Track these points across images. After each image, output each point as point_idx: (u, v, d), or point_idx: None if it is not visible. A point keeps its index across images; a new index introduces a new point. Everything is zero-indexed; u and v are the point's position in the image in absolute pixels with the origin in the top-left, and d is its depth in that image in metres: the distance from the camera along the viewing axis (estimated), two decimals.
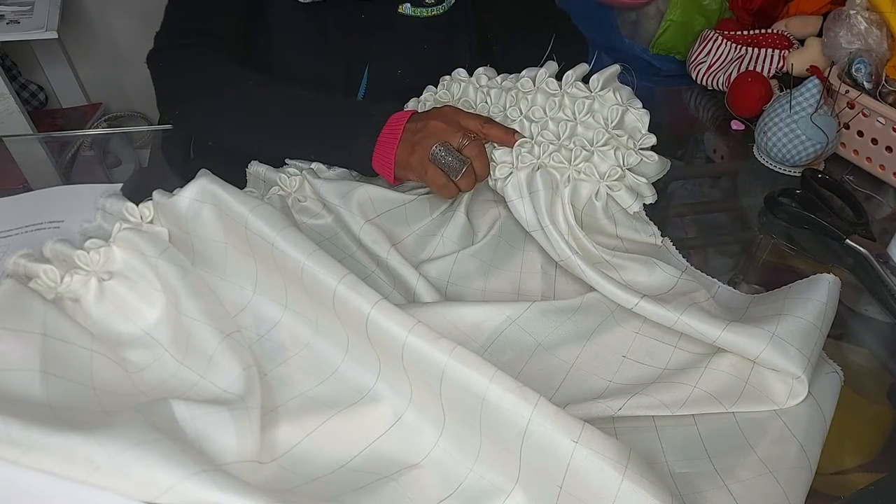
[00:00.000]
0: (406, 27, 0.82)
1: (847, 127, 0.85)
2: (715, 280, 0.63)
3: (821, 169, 0.82)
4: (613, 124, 0.68)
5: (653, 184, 0.70)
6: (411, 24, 0.82)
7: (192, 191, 0.52)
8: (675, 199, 0.79)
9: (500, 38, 0.91)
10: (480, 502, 0.43)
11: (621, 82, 0.72)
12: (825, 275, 0.56)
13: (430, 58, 0.85)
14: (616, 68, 0.70)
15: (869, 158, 0.85)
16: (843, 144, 0.87)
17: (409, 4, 0.81)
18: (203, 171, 0.54)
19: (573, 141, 0.68)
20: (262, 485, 0.39)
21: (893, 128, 0.80)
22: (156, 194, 0.54)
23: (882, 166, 0.83)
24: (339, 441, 0.46)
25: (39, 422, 0.36)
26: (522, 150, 0.66)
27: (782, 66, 0.96)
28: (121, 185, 0.66)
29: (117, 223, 0.53)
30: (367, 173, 0.68)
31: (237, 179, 0.67)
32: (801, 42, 0.97)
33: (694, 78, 1.05)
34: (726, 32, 1.04)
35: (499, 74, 0.75)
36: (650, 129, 0.69)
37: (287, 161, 0.69)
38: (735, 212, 0.80)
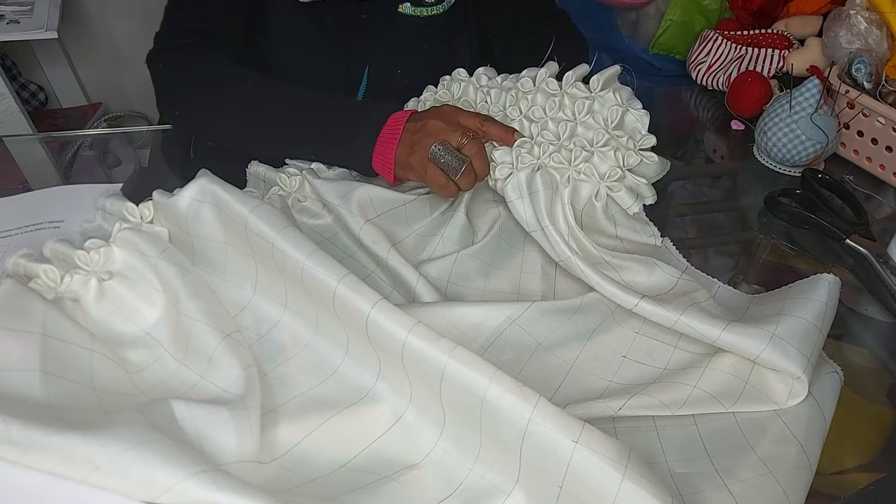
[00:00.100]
0: (406, 27, 0.82)
1: (847, 127, 0.85)
2: (715, 280, 0.63)
3: (821, 169, 0.82)
4: (613, 125, 0.68)
5: (653, 184, 0.70)
6: (411, 23, 0.82)
7: (192, 191, 0.52)
8: (675, 199, 0.79)
9: (500, 37, 0.91)
10: (480, 502, 0.43)
11: (621, 83, 0.72)
12: (825, 275, 0.56)
13: (430, 57, 0.86)
14: (616, 69, 0.71)
15: (869, 158, 0.85)
16: (843, 144, 0.87)
17: (409, 4, 0.81)
18: (203, 171, 0.54)
19: (573, 141, 0.68)
20: (262, 485, 0.39)
21: (893, 128, 0.80)
22: (156, 194, 0.54)
23: (882, 166, 0.83)
24: (339, 441, 0.46)
25: (39, 422, 0.36)
26: (522, 150, 0.66)
27: (782, 66, 0.96)
28: (121, 185, 0.66)
29: (117, 223, 0.53)
30: (367, 173, 0.68)
31: (237, 179, 0.67)
32: (801, 42, 0.97)
33: (694, 78, 1.05)
34: (726, 32, 1.04)
35: (499, 74, 0.75)
36: (650, 130, 0.69)
37: (287, 161, 0.69)
38: (735, 212, 0.80)
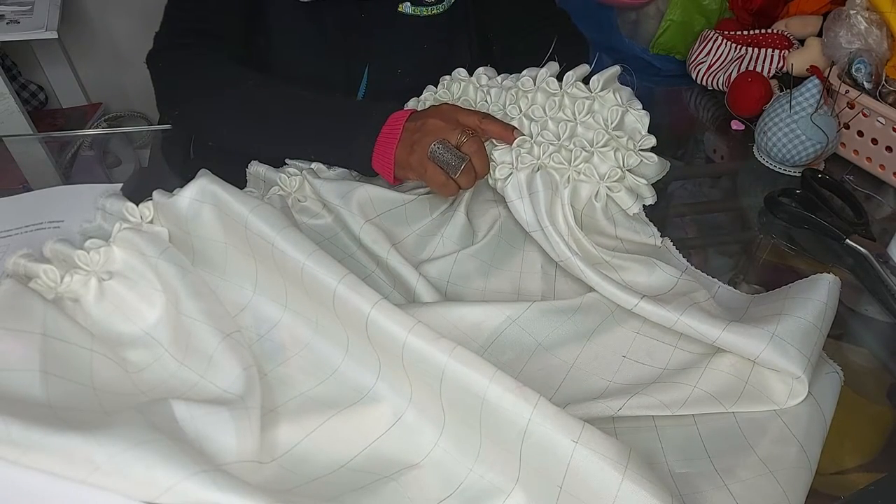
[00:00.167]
0: (406, 26, 0.82)
1: (847, 127, 0.85)
2: (715, 280, 0.63)
3: (821, 169, 0.82)
4: (613, 125, 0.69)
5: (652, 184, 0.70)
6: (411, 23, 0.82)
7: (192, 191, 0.52)
8: (675, 199, 0.79)
9: (500, 37, 0.91)
10: (480, 502, 0.43)
11: (621, 83, 0.72)
12: (825, 275, 0.56)
13: (430, 57, 0.86)
14: (616, 69, 0.71)
15: (869, 158, 0.85)
16: (843, 144, 0.87)
17: (409, 3, 0.81)
18: (203, 171, 0.54)
19: (573, 141, 0.68)
20: (262, 485, 0.39)
21: (893, 128, 0.80)
22: (156, 194, 0.54)
23: (882, 166, 0.83)
24: (339, 441, 0.46)
25: (39, 422, 0.36)
26: (522, 150, 0.66)
27: (782, 66, 0.96)
28: (121, 185, 0.66)
29: (117, 223, 0.53)
30: (367, 173, 0.68)
31: (237, 179, 0.67)
32: (801, 42, 0.97)
33: (694, 78, 1.05)
34: (726, 32, 1.04)
35: (499, 74, 0.75)
36: (650, 130, 0.69)
37: (287, 161, 0.69)
38: (735, 212, 0.80)
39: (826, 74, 0.84)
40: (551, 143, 0.67)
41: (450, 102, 0.72)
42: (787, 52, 0.96)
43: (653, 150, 0.69)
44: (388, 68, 0.84)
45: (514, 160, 0.66)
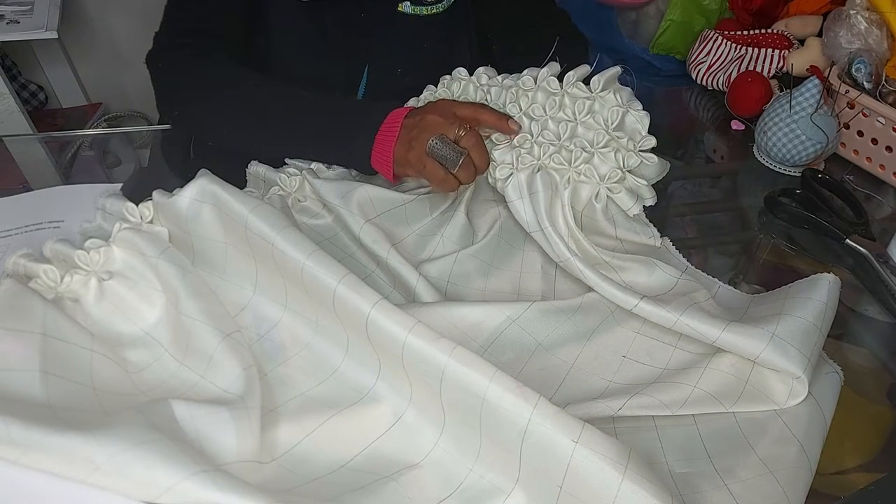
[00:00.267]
0: (406, 26, 0.82)
1: (847, 127, 0.85)
2: (715, 280, 0.63)
3: (821, 169, 0.82)
4: (614, 126, 0.69)
5: (652, 184, 0.70)
6: (411, 22, 0.82)
7: (192, 191, 0.52)
8: (675, 199, 0.79)
9: (500, 37, 0.91)
10: (480, 502, 0.43)
11: (621, 83, 0.72)
12: (825, 274, 0.56)
13: (429, 57, 0.85)
14: (617, 70, 0.71)
15: (869, 158, 0.85)
16: (843, 144, 0.87)
17: (408, 3, 0.81)
18: (203, 171, 0.54)
19: (573, 142, 0.68)
20: (262, 485, 0.39)
21: (893, 128, 0.80)
22: (156, 194, 0.54)
23: (882, 166, 0.83)
24: (339, 441, 0.46)
25: (39, 422, 0.36)
26: (522, 150, 0.66)
27: (782, 66, 0.96)
28: (121, 185, 0.66)
29: (117, 223, 0.53)
30: (367, 172, 0.68)
31: (237, 179, 0.67)
32: (801, 42, 0.97)
33: (694, 78, 1.05)
34: (726, 32, 1.04)
35: (499, 74, 0.75)
36: (650, 131, 0.69)
37: (287, 161, 0.69)
38: (735, 212, 0.80)
39: (826, 74, 0.84)
40: (552, 144, 0.67)
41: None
42: (787, 52, 0.96)
43: (653, 150, 0.69)
44: (388, 68, 0.84)
45: (514, 160, 0.66)
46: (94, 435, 0.36)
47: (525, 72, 0.72)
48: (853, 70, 0.82)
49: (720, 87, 1.01)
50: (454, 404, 0.44)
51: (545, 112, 0.69)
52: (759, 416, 0.50)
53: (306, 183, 0.66)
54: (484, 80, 0.75)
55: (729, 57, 1.01)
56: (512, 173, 0.66)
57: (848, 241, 0.69)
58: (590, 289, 0.59)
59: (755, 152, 0.86)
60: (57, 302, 0.49)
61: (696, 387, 0.51)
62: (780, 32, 1.01)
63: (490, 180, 0.69)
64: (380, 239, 0.61)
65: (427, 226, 0.66)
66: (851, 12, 0.84)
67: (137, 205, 0.55)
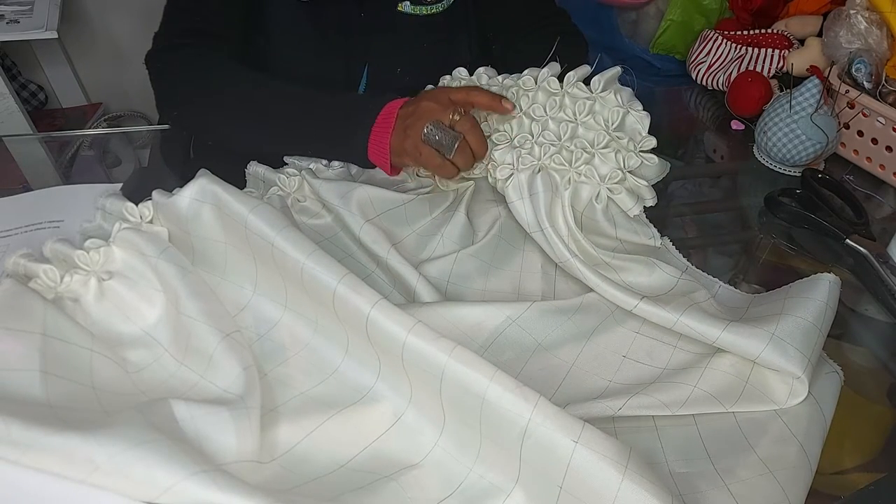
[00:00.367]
0: (406, 26, 0.82)
1: (847, 127, 0.85)
2: (715, 280, 0.63)
3: (821, 169, 0.82)
4: (614, 126, 0.69)
5: (653, 185, 0.70)
6: (411, 22, 0.82)
7: (192, 190, 0.52)
8: (675, 199, 0.79)
9: (500, 37, 0.91)
10: (480, 502, 0.43)
11: (621, 83, 0.72)
12: (825, 274, 0.56)
13: (429, 57, 0.85)
14: (617, 70, 0.71)
15: (869, 158, 0.85)
16: (843, 144, 0.87)
17: (408, 2, 0.81)
18: (203, 170, 0.54)
19: (574, 142, 0.68)
20: (262, 485, 0.39)
21: (893, 128, 0.80)
22: (155, 194, 0.54)
23: (882, 166, 0.83)
24: (339, 441, 0.46)
25: (39, 422, 0.36)
26: (523, 151, 0.66)
27: (782, 66, 0.96)
28: (121, 185, 0.66)
29: (117, 223, 0.53)
30: (366, 165, 0.68)
31: (237, 179, 0.67)
32: (801, 42, 0.97)
33: (694, 78, 1.05)
34: (726, 32, 1.04)
35: (499, 74, 0.75)
36: (650, 132, 0.69)
37: (286, 160, 0.69)
38: (735, 212, 0.80)
39: (826, 74, 0.84)
40: (552, 144, 0.67)
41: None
42: (787, 52, 0.96)
43: (653, 150, 0.69)
44: (388, 68, 0.84)
45: (514, 161, 0.66)
46: (94, 435, 0.36)
47: (525, 72, 0.72)
48: (853, 70, 0.82)
49: (720, 87, 1.01)
50: (454, 404, 0.44)
51: (546, 112, 0.69)
52: (759, 416, 0.50)
53: (305, 183, 0.66)
54: (484, 80, 0.75)
55: (729, 57, 1.01)
56: (512, 174, 0.66)
57: (848, 241, 0.69)
58: (590, 289, 0.59)
59: (755, 152, 0.86)
60: (57, 302, 0.49)
61: (696, 387, 0.51)
62: (780, 32, 1.01)
63: (490, 180, 0.69)
64: (380, 239, 0.61)
65: (427, 226, 0.66)
66: (851, 12, 0.84)
67: (137, 205, 0.55)
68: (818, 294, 0.54)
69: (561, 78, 0.70)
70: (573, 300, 0.58)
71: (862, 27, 0.83)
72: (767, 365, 0.51)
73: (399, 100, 0.66)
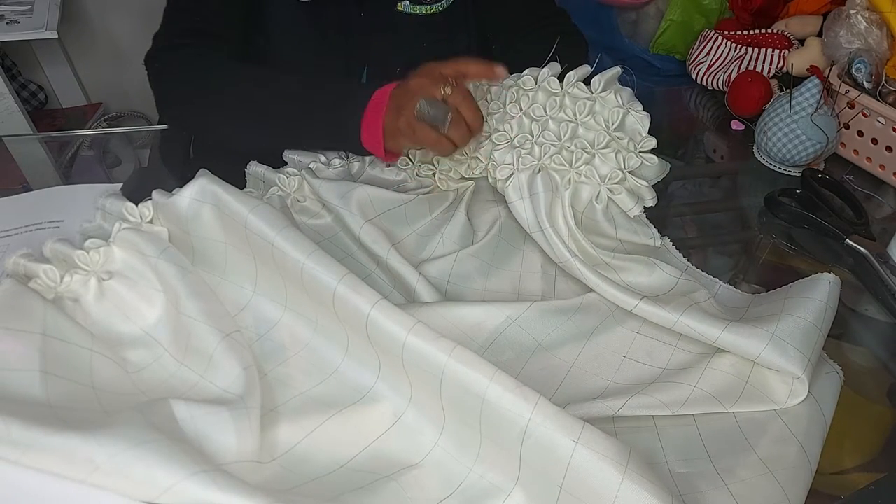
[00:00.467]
0: (405, 25, 0.82)
1: (847, 127, 0.85)
2: (716, 280, 0.63)
3: (821, 169, 0.82)
4: (614, 126, 0.69)
5: (653, 185, 0.70)
6: (410, 21, 0.82)
7: (192, 190, 0.52)
8: (675, 199, 0.79)
9: (500, 37, 0.91)
10: (480, 502, 0.43)
11: (621, 83, 0.72)
12: (825, 274, 0.56)
13: (429, 56, 0.85)
14: (617, 70, 0.71)
15: (869, 158, 0.85)
16: (843, 144, 0.87)
17: (408, 2, 0.81)
18: (203, 170, 0.54)
19: (574, 143, 0.68)
20: (262, 485, 0.39)
21: (893, 128, 0.80)
22: (155, 194, 0.54)
23: (882, 166, 0.83)
24: (339, 441, 0.46)
25: (39, 422, 0.36)
26: (523, 151, 0.67)
27: (782, 66, 0.96)
28: (121, 185, 0.66)
29: (117, 223, 0.53)
30: (360, 153, 0.68)
31: (237, 179, 0.66)
32: (801, 42, 0.97)
33: (694, 78, 1.05)
34: (726, 32, 1.04)
35: None
36: (650, 132, 0.69)
37: (286, 159, 0.69)
38: (735, 212, 0.80)
39: (826, 74, 0.84)
40: (552, 144, 0.67)
41: None
42: (787, 52, 0.96)
43: (653, 150, 0.69)
44: (388, 67, 0.84)
45: (515, 161, 0.66)
46: (94, 435, 0.36)
47: (525, 72, 0.72)
48: (853, 70, 0.82)
49: (720, 87, 1.01)
50: (454, 404, 0.44)
51: (546, 112, 0.69)
52: (759, 416, 0.50)
53: (305, 183, 0.66)
54: (484, 79, 0.75)
55: (729, 57, 1.01)
56: (512, 174, 0.66)
57: (848, 241, 0.69)
58: (590, 289, 0.59)
59: (755, 152, 0.86)
60: (57, 302, 0.49)
61: (696, 387, 0.51)
62: (780, 32, 1.01)
63: (490, 180, 0.69)
64: (380, 239, 0.61)
65: (427, 226, 0.66)
66: (851, 12, 0.84)
67: (137, 205, 0.55)
68: (818, 294, 0.54)
69: (561, 78, 0.70)
70: (573, 300, 0.58)
71: (862, 27, 0.83)
72: (767, 365, 0.51)
73: (391, 84, 0.65)
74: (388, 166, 0.71)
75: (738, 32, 1.04)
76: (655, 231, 0.67)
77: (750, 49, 0.99)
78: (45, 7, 1.27)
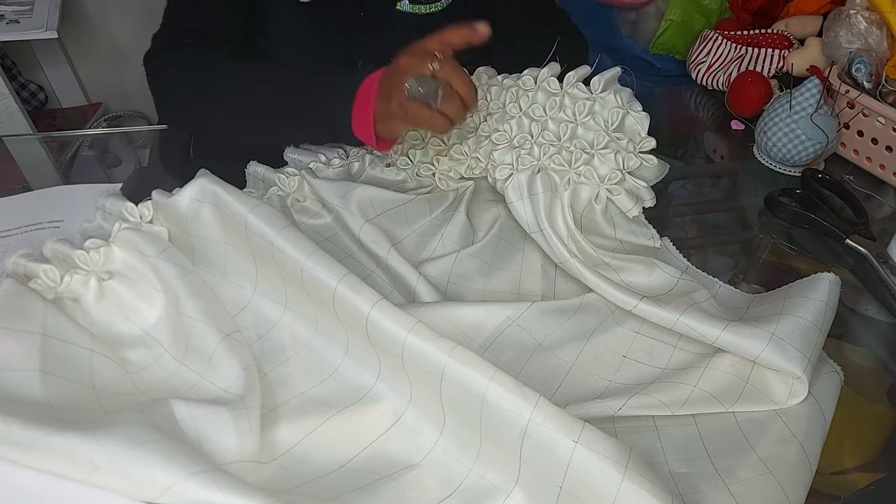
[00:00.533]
0: (405, 25, 0.82)
1: (847, 127, 0.85)
2: (715, 280, 0.63)
3: (821, 169, 0.82)
4: (614, 127, 0.69)
5: (652, 185, 0.70)
6: (410, 21, 0.82)
7: (192, 190, 0.52)
8: (675, 199, 0.79)
9: (500, 37, 0.90)
10: (480, 502, 0.43)
11: (621, 83, 0.72)
12: (825, 274, 0.56)
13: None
14: (617, 70, 0.71)
15: (869, 158, 0.85)
16: (843, 144, 0.87)
17: (407, 1, 0.81)
18: (203, 170, 0.54)
19: (573, 143, 0.68)
20: (262, 485, 0.39)
21: (893, 128, 0.80)
22: (155, 194, 0.54)
23: (882, 166, 0.83)
24: (339, 441, 0.46)
25: (39, 422, 0.36)
26: (522, 151, 0.67)
27: (782, 66, 0.96)
28: (121, 185, 0.66)
29: (117, 223, 0.53)
30: (354, 143, 0.68)
31: (236, 179, 0.66)
32: (801, 42, 0.97)
33: (694, 78, 1.05)
34: (726, 32, 1.04)
35: (499, 74, 0.75)
36: (650, 132, 0.69)
37: (286, 159, 0.69)
38: (735, 212, 0.80)
39: (826, 74, 0.84)
40: (552, 144, 0.67)
41: None
42: (787, 52, 0.96)
43: (652, 150, 0.69)
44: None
45: (514, 161, 0.66)
46: (94, 435, 0.36)
47: (525, 72, 0.72)
48: (853, 70, 0.82)
49: (720, 87, 1.01)
50: (454, 404, 0.44)
51: (545, 112, 0.69)
52: (759, 416, 0.50)
53: (305, 183, 0.66)
54: (484, 80, 0.75)
55: (729, 57, 1.01)
56: (512, 174, 0.66)
57: (848, 241, 0.69)
58: (590, 289, 0.59)
59: (755, 152, 0.86)
60: (57, 302, 0.49)
61: (696, 387, 0.51)
62: (780, 32, 1.01)
63: (490, 180, 0.69)
64: (380, 239, 0.61)
65: (427, 226, 0.66)
66: (851, 12, 0.84)
67: (137, 205, 0.55)
68: (818, 294, 0.54)
69: (561, 78, 0.70)
70: (573, 300, 0.58)
71: (862, 27, 0.83)
72: (767, 365, 0.51)
73: (380, 70, 0.63)
74: (388, 166, 0.71)
75: (738, 32, 1.04)
76: (654, 232, 0.67)
77: (750, 49, 0.99)
78: (45, 7, 1.27)
